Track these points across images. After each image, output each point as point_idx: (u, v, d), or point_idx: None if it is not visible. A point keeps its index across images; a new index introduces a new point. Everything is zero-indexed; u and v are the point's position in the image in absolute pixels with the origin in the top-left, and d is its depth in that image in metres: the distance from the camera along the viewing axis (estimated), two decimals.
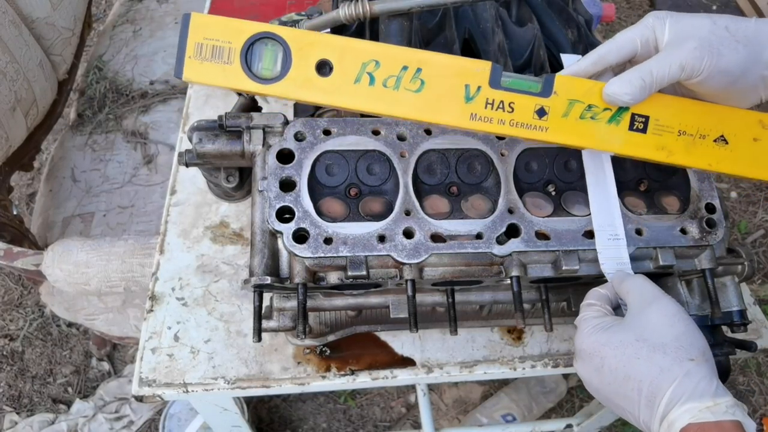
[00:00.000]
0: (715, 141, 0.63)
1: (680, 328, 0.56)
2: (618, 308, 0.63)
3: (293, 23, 0.81)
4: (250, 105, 0.74)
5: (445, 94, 0.60)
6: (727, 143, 0.63)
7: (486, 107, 0.60)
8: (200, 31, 0.58)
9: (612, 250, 0.64)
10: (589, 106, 0.61)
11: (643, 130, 0.62)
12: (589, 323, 0.59)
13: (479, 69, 0.60)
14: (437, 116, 0.61)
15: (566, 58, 0.73)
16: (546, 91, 0.60)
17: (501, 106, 0.61)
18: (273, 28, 0.59)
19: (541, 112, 0.61)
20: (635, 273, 0.64)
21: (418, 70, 0.59)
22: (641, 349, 0.54)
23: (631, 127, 0.61)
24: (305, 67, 0.59)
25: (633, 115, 0.61)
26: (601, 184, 0.67)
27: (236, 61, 0.59)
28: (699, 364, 0.53)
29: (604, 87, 0.59)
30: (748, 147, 0.63)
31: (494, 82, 0.60)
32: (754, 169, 0.64)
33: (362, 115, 0.70)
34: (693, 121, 0.61)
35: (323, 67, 0.59)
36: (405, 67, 0.59)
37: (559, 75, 0.60)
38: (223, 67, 0.59)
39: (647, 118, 0.61)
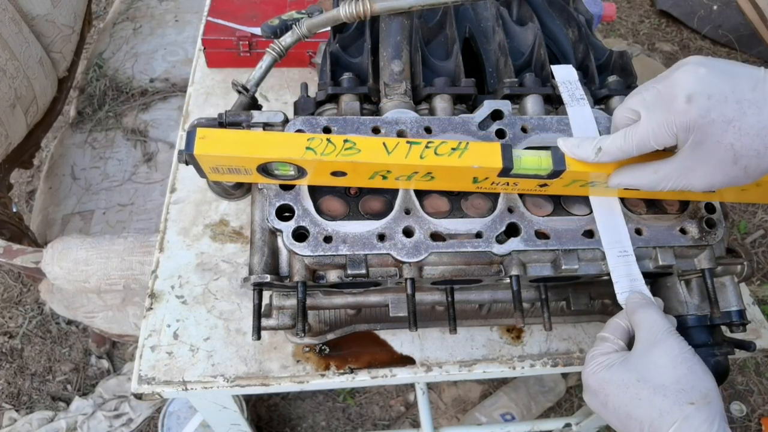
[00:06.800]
0: None
1: (683, 370, 0.55)
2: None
3: (294, 22, 0.81)
4: (250, 103, 0.74)
5: (455, 183, 0.64)
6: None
7: (491, 185, 0.65)
8: (211, 162, 0.60)
9: (624, 268, 0.64)
10: (593, 182, 0.63)
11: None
12: (597, 360, 0.59)
13: (489, 171, 0.61)
14: (446, 188, 0.67)
15: (557, 70, 0.73)
16: (553, 176, 0.62)
17: (506, 183, 0.64)
18: (278, 156, 0.59)
19: (544, 185, 0.64)
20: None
21: (429, 173, 0.61)
22: (642, 390, 0.54)
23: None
24: (321, 175, 0.62)
25: None
26: (605, 200, 0.67)
27: (254, 173, 0.62)
28: (699, 408, 0.52)
29: (612, 178, 0.61)
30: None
31: (503, 174, 0.62)
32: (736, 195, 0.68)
33: (362, 114, 0.70)
34: None
35: (338, 173, 0.62)
36: (416, 172, 0.61)
37: (569, 170, 0.61)
38: (245, 176, 0.63)
39: None
